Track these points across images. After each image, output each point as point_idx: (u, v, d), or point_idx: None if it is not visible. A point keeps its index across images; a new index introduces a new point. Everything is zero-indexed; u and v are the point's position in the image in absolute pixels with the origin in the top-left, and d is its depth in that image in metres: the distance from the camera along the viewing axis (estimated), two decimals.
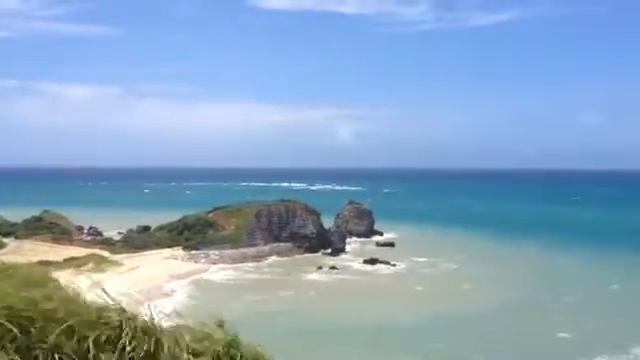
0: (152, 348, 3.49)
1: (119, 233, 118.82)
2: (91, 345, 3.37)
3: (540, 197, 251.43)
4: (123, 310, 3.65)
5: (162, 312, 3.83)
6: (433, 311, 64.48)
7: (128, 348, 3.44)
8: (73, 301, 3.68)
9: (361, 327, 58.33)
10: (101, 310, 3.63)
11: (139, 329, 3.56)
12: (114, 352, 3.40)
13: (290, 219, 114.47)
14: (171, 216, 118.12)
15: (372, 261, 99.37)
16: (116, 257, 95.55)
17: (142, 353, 3.46)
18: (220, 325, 3.85)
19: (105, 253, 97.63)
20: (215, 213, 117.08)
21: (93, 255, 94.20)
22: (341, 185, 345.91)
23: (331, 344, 51.37)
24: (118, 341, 3.46)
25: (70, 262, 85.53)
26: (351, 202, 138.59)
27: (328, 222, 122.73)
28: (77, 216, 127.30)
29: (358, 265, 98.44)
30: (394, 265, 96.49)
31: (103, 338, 3.44)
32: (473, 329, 58.12)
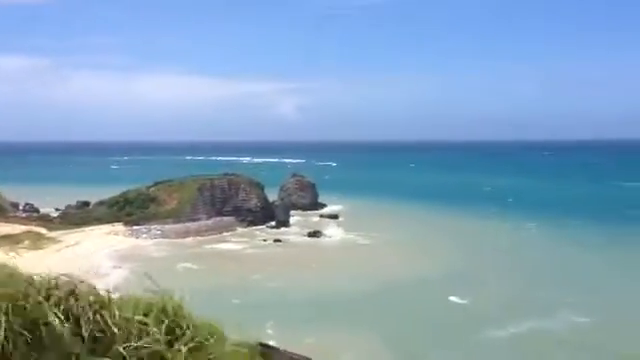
0: (101, 318, 3.51)
1: (57, 209, 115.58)
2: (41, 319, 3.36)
3: (476, 168, 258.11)
4: (69, 283, 3.65)
5: (105, 287, 3.84)
6: (374, 280, 65.90)
7: (80, 319, 3.45)
8: (15, 275, 3.64)
9: (306, 299, 59.04)
10: (47, 283, 3.61)
11: (87, 301, 3.57)
12: (64, 324, 3.40)
13: (234, 193, 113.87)
14: (111, 191, 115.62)
15: (316, 233, 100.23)
16: (54, 234, 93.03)
17: (92, 324, 3.47)
18: (164, 296, 3.90)
19: (42, 230, 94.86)
20: (157, 187, 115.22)
21: (29, 232, 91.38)
22: (285, 158, 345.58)
23: (278, 317, 51.80)
24: (68, 313, 3.46)
25: (5, 239, 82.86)
26: (294, 175, 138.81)
27: (272, 195, 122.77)
28: (10, 192, 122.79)
29: (302, 238, 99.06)
30: (338, 237, 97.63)
31: (52, 310, 3.43)
32: (402, 298, 59.65)
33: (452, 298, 59.42)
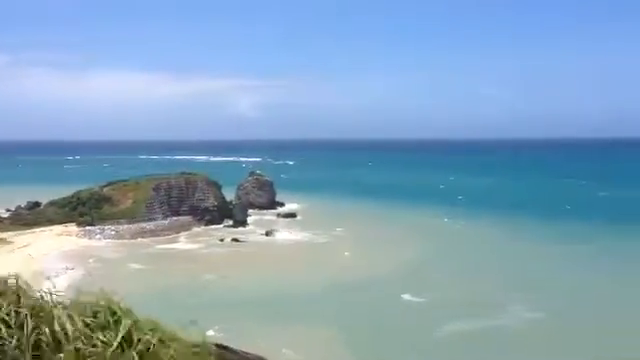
0: (47, 323, 3.44)
1: (7, 210, 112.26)
2: None
3: (432, 166, 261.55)
4: (15, 287, 3.58)
5: (54, 289, 3.77)
6: (329, 279, 66.24)
7: (25, 325, 3.38)
8: None
9: (262, 298, 58.87)
10: None
11: (34, 305, 3.50)
12: (11, 328, 3.33)
13: (190, 192, 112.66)
14: (63, 191, 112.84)
15: (274, 232, 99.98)
16: (4, 235, 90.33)
17: (38, 330, 3.40)
18: (114, 299, 3.84)
19: None
20: (111, 187, 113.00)
21: None
22: (243, 157, 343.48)
23: (233, 317, 51.51)
24: (17, 317, 3.39)
25: None
26: (252, 173, 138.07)
27: (229, 194, 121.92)
28: None
29: (260, 237, 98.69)
30: (296, 236, 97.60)
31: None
32: (358, 296, 60.15)
33: (405, 296, 59.94)
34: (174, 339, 3.91)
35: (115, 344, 3.52)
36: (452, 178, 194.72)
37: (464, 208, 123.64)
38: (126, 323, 3.68)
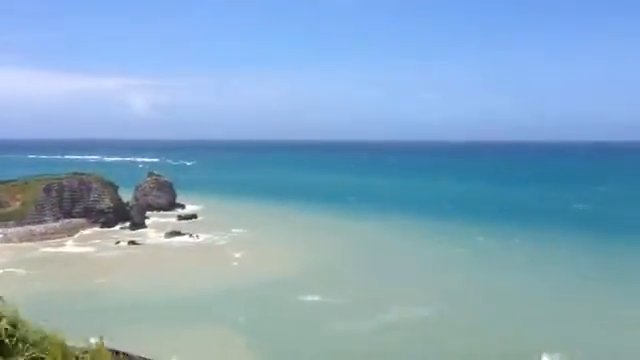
0: None
1: None
2: None
3: (332, 167, 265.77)
4: None
5: None
6: (226, 281, 65.85)
7: None
8: None
9: (159, 301, 57.57)
10: None
11: None
12: None
13: (84, 193, 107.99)
14: None
15: (173, 234, 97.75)
16: None
17: None
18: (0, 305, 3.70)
19: None
20: None
21: None
22: (140, 157, 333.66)
23: (127, 320, 49.99)
24: None
25: None
26: (151, 174, 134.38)
27: (127, 196, 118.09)
28: None
29: (159, 239, 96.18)
30: (197, 237, 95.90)
31: None
32: (258, 296, 60.26)
33: (301, 297, 60.24)
34: (64, 346, 3.81)
35: None
36: (347, 178, 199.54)
37: (354, 208, 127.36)
38: (14, 331, 3.55)
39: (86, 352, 3.97)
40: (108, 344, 4.70)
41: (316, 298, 59.69)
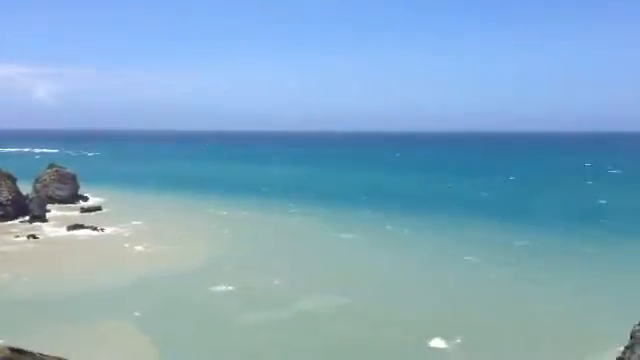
0: None
1: None
2: None
3: (251, 157, 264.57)
4: None
5: None
6: (132, 274, 64.88)
7: None
8: None
9: (61, 296, 55.89)
10: None
11: None
12: None
13: None
14: None
15: (76, 227, 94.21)
16: None
17: None
18: None
19: None
20: None
21: None
22: (39, 147, 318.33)
23: (29, 318, 48.20)
24: None
25: None
26: (52, 165, 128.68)
27: (26, 188, 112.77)
28: None
29: (61, 232, 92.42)
30: (102, 230, 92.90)
31: None
32: (161, 288, 59.76)
33: (212, 287, 60.06)
34: None
35: None
36: (265, 169, 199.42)
37: (268, 198, 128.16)
38: None
39: None
40: (6, 341, 4.87)
41: (229, 288, 59.62)
